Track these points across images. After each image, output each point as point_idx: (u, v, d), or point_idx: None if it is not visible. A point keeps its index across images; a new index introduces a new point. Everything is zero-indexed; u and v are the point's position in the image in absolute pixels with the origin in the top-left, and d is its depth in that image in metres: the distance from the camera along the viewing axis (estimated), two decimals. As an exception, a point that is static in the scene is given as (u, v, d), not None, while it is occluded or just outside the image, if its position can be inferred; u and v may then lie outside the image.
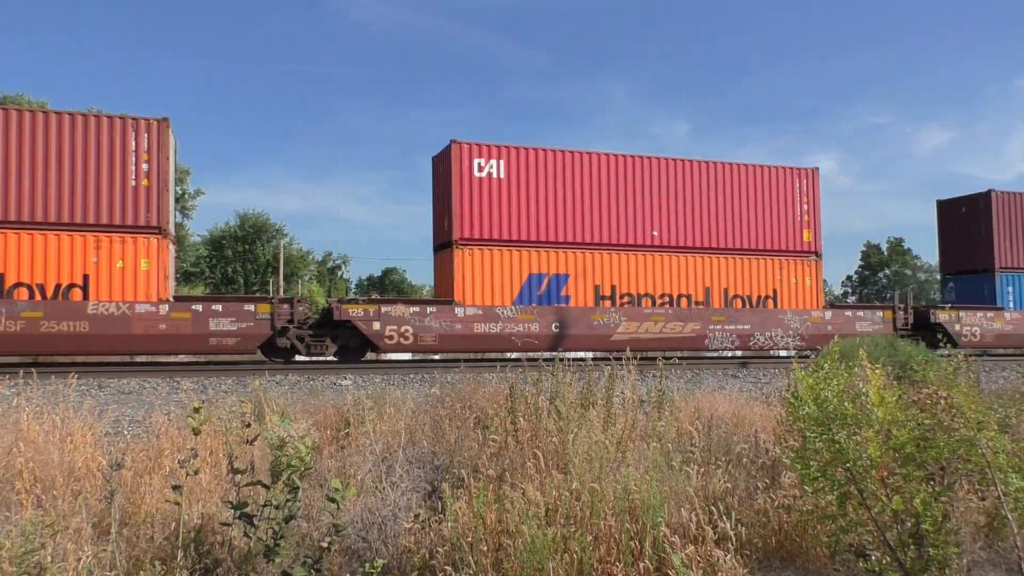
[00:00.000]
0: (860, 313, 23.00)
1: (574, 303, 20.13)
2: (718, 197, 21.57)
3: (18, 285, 16.00)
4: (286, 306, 17.79)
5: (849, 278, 76.64)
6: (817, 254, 22.51)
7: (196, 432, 4.30)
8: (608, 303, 20.39)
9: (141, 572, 3.97)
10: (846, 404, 4.40)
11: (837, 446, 4.24)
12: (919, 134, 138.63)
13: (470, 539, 4.29)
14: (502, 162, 19.75)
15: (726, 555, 4.23)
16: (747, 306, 21.60)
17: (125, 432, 7.74)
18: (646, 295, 20.76)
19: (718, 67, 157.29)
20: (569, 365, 7.10)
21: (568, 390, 6.62)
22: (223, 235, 45.26)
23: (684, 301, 21.06)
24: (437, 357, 20.85)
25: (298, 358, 18.52)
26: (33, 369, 8.62)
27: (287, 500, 4.07)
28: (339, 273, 57.28)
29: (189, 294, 27.42)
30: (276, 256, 43.40)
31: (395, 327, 18.45)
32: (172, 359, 20.99)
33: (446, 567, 4.22)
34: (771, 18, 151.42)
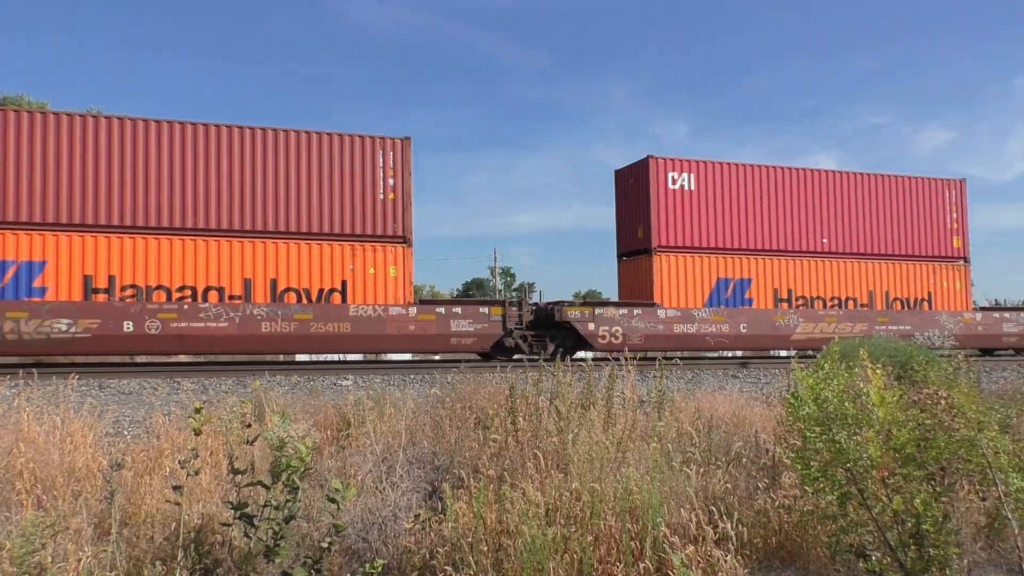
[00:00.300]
0: (1006, 315, 24.53)
1: (756, 305, 21.78)
2: (879, 207, 23.32)
3: (288, 290, 17.85)
4: (515, 308, 19.55)
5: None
6: (966, 259, 24.26)
7: (197, 432, 4.30)
8: (785, 305, 22.07)
9: (142, 572, 3.97)
10: (847, 404, 4.40)
11: (837, 446, 4.24)
12: (919, 134, 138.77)
13: (470, 539, 4.29)
14: (692, 175, 21.47)
15: (726, 555, 4.23)
16: (906, 308, 23.34)
17: (125, 432, 7.74)
18: (818, 298, 22.49)
19: (718, 67, 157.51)
20: (568, 365, 7.10)
21: (568, 390, 6.62)
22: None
23: (851, 303, 22.75)
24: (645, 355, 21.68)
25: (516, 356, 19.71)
26: (34, 370, 8.62)
27: (287, 500, 4.07)
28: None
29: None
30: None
31: (607, 327, 20.01)
32: (172, 359, 21.02)
33: (446, 567, 4.22)
34: (771, 18, 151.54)
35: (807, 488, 4.52)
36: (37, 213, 16.43)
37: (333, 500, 4.10)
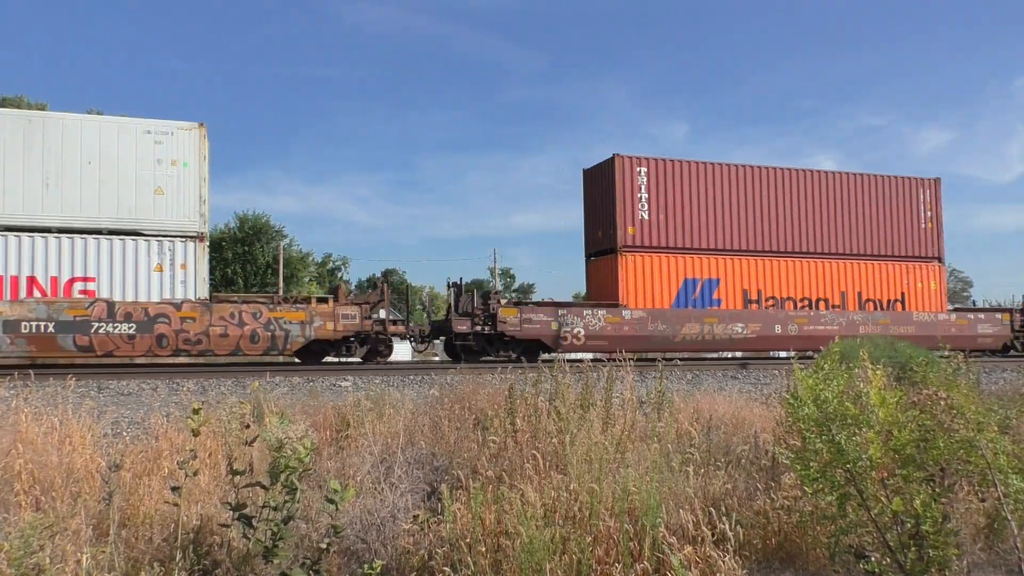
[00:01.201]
0: None
1: None
2: None
3: (869, 300, 23.49)
4: (1019, 315, 24.56)
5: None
6: None
7: (195, 433, 4.29)
8: None
9: (140, 573, 3.96)
10: (847, 404, 4.39)
11: (837, 447, 4.23)
12: (918, 135, 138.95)
13: (468, 540, 4.29)
14: None
15: (725, 556, 4.22)
16: None
17: (124, 434, 7.72)
18: None
19: (717, 68, 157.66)
20: (566, 366, 7.09)
21: (567, 391, 6.61)
22: (222, 237, 45.20)
23: None
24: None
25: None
26: (31, 371, 8.61)
27: (286, 501, 4.06)
28: (339, 274, 57.28)
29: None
30: (275, 258, 43.40)
31: None
32: (171, 360, 21.02)
33: (445, 568, 4.21)
34: (770, 19, 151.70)
35: (806, 489, 4.51)
36: (714, 242, 22.03)
37: (332, 501, 4.10)
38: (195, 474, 4.40)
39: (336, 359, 19.47)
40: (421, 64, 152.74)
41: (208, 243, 18.26)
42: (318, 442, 5.88)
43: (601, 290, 22.09)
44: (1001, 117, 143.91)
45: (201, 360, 20.59)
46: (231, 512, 4.15)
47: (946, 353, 8.00)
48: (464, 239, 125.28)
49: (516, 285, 74.56)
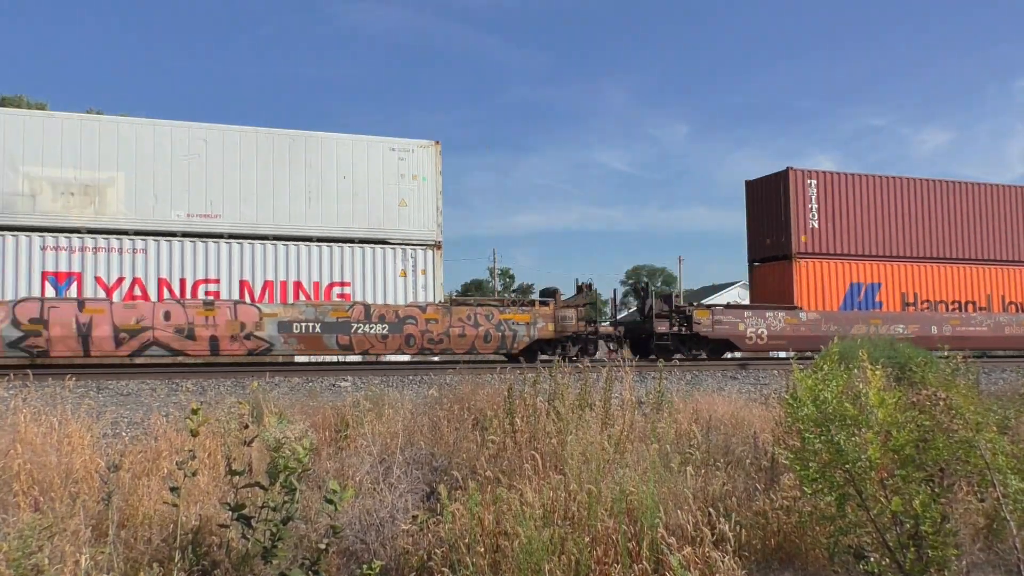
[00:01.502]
0: None
1: None
2: None
3: (1011, 303, 25.11)
4: None
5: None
6: None
7: (194, 434, 4.29)
8: None
9: (139, 574, 3.96)
10: (847, 404, 4.39)
11: (836, 447, 4.23)
12: (918, 135, 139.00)
13: (467, 540, 4.28)
14: None
15: (724, 556, 4.22)
16: None
17: (123, 434, 7.71)
18: None
19: (717, 68, 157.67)
20: (565, 367, 7.09)
21: (566, 391, 6.61)
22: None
23: None
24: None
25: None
26: (30, 371, 8.61)
27: (285, 502, 4.06)
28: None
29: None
30: (275, 258, 43.39)
31: None
32: (170, 361, 20.99)
33: (443, 568, 4.21)
34: (770, 19, 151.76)
35: (805, 489, 4.51)
36: (875, 248, 23.62)
37: (330, 501, 4.10)
38: (194, 474, 4.39)
39: (549, 357, 20.32)
40: (421, 64, 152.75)
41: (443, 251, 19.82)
42: (317, 442, 5.87)
43: (770, 293, 23.71)
44: (1001, 118, 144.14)
45: (200, 360, 20.60)
46: (230, 512, 4.15)
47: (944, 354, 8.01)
48: (464, 239, 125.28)
49: (515, 286, 74.50)
